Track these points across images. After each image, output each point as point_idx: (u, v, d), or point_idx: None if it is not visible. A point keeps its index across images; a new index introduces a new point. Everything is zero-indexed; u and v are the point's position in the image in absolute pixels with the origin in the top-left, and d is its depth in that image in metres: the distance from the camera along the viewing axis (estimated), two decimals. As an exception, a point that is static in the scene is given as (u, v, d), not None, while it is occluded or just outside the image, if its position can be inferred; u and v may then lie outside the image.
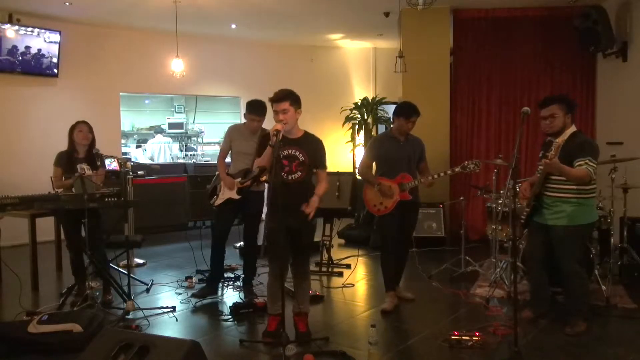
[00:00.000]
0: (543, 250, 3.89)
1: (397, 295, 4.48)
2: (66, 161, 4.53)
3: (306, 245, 3.73)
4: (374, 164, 4.53)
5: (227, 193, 4.60)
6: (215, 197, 4.69)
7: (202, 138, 10.70)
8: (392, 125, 4.53)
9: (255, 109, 4.61)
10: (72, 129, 4.61)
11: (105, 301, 4.52)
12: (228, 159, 4.87)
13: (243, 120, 4.87)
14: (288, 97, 3.51)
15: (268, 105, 3.84)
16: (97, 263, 4.47)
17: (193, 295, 4.68)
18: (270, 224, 3.47)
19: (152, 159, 9.85)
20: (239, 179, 4.57)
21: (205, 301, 4.58)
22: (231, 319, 4.14)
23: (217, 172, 4.79)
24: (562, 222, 3.71)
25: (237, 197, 4.56)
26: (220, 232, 4.71)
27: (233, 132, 4.79)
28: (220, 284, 4.92)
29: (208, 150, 10.47)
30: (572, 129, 3.76)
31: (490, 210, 5.26)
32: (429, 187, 4.40)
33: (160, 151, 10.03)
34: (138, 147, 10.25)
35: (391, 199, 4.28)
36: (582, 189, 3.66)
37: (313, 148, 3.64)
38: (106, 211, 4.65)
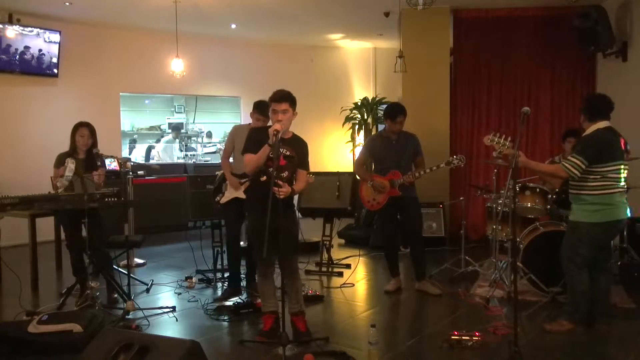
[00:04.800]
0: None
1: (421, 289, 4.77)
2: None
3: (291, 242, 3.66)
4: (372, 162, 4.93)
5: (233, 192, 4.62)
6: (220, 195, 4.72)
7: (202, 138, 10.68)
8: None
9: (263, 109, 4.65)
10: (74, 131, 4.59)
11: (110, 299, 4.54)
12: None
13: (246, 121, 4.88)
14: (288, 98, 3.58)
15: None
16: (98, 263, 4.47)
17: (217, 300, 4.53)
18: (253, 224, 3.47)
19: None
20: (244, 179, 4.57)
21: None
22: (230, 319, 4.14)
23: (220, 171, 4.82)
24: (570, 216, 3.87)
25: (243, 196, 4.52)
26: (235, 236, 4.76)
27: (236, 132, 4.80)
28: (220, 284, 4.91)
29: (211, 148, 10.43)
30: (595, 127, 3.75)
31: (490, 210, 5.26)
32: (408, 184, 4.69)
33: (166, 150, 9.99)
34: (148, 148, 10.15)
35: (382, 194, 4.71)
36: (575, 185, 3.73)
37: (299, 149, 3.70)
38: (106, 211, 4.63)
